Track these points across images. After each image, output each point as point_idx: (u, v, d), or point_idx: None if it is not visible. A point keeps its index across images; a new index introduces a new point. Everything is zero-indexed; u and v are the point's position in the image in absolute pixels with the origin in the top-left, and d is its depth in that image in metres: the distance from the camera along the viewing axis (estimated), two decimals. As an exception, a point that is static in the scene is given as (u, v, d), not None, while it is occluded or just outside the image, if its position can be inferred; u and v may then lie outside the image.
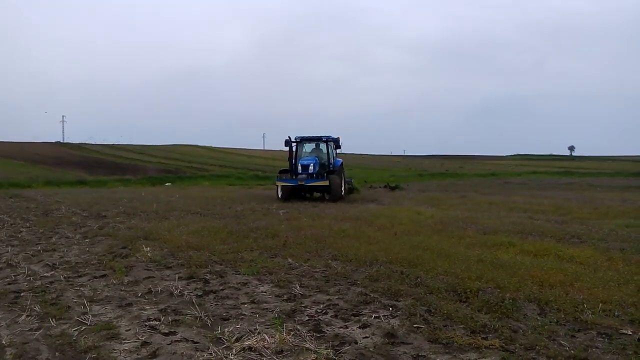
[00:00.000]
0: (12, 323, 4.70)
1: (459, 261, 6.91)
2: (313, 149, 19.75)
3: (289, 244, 8.56)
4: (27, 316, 4.86)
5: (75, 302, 5.34)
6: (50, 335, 4.36)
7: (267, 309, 5.09)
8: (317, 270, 6.76)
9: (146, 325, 4.59)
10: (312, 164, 18.16)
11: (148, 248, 8.03)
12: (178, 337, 4.32)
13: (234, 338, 4.20)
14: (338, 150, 19.93)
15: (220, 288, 5.91)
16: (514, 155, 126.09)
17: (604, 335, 4.28)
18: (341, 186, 18.81)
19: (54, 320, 4.73)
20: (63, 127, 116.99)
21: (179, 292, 5.69)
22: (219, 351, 3.94)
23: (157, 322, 4.67)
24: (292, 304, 5.20)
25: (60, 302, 5.31)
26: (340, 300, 5.37)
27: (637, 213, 13.94)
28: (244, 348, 3.99)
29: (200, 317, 4.77)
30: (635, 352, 3.91)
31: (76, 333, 4.38)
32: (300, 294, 5.58)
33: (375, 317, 4.77)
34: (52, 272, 6.72)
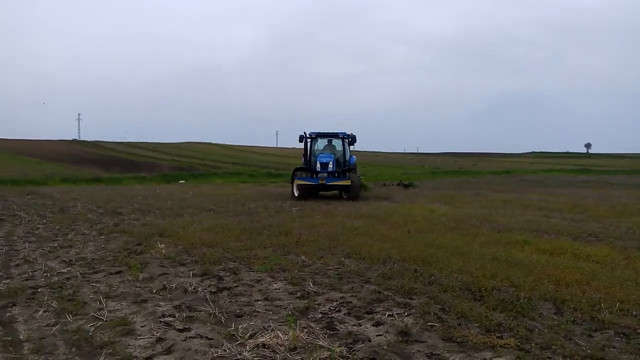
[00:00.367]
0: (29, 318, 4.77)
1: (473, 259, 6.86)
2: (326, 145, 19.54)
3: (302, 241, 8.57)
4: (44, 312, 4.92)
5: (91, 298, 5.40)
6: (66, 331, 4.42)
7: (280, 306, 5.11)
8: (331, 267, 6.76)
9: (161, 322, 4.63)
10: (330, 162, 17.93)
11: (163, 245, 8.10)
12: (192, 333, 4.35)
13: (248, 335, 4.21)
14: (351, 148, 19.82)
15: (234, 285, 5.94)
16: (530, 152, 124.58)
17: (621, 335, 4.22)
18: (360, 185, 18.79)
19: (70, 315, 4.79)
20: (79, 125, 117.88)
21: (193, 288, 5.73)
22: (233, 348, 3.96)
23: (171, 319, 4.71)
24: (306, 302, 5.21)
25: (76, 298, 5.37)
26: (354, 298, 5.37)
27: (655, 211, 13.70)
28: (257, 345, 4.00)
29: (214, 313, 4.80)
30: (654, 353, 3.84)
31: (92, 329, 4.44)
32: (314, 292, 5.59)
33: (388, 315, 4.75)
34: (69, 269, 6.81)
